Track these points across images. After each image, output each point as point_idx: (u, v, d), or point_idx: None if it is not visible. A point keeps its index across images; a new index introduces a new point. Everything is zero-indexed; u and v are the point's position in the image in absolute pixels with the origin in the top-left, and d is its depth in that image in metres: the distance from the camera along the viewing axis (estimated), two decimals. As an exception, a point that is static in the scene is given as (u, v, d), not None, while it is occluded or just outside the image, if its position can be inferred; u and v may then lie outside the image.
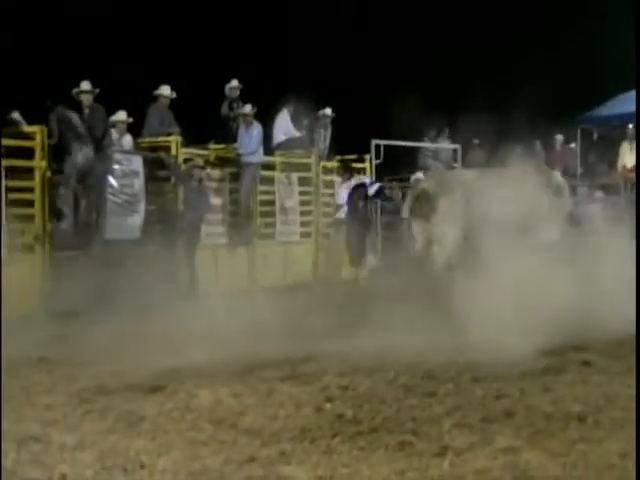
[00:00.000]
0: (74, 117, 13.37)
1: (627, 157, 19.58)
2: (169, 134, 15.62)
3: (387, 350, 8.57)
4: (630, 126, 20.12)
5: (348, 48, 24.85)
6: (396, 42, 25.51)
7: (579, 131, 20.46)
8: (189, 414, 6.49)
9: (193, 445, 5.69)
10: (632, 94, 21.63)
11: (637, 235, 11.25)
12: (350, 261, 16.65)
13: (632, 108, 20.66)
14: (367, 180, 17.59)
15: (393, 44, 25.43)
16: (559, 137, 20.43)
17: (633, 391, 6.72)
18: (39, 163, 13.02)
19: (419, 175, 19.35)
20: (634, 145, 19.82)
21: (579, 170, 20.09)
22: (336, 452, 5.50)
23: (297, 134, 18.57)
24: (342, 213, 17.14)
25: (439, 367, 7.93)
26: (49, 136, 13.09)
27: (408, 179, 19.87)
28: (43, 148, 13.06)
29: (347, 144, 19.23)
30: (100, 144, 13.61)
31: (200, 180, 15.15)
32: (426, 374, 7.70)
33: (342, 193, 17.05)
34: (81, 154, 13.11)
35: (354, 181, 17.23)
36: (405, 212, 18.73)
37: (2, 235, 12.28)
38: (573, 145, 20.23)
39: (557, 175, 14.32)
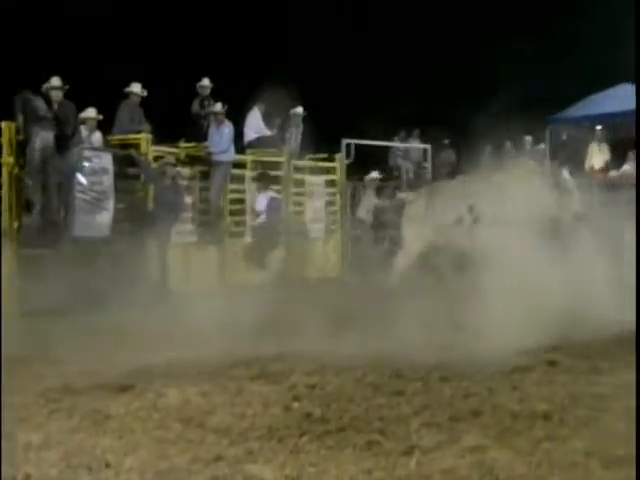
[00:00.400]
0: (38, 101, 13.24)
1: (595, 158, 19.71)
2: (139, 132, 15.58)
3: (357, 349, 8.58)
4: (598, 127, 20.25)
5: (321, 47, 24.86)
6: (369, 42, 25.54)
7: (548, 132, 20.57)
8: (157, 413, 6.47)
9: (160, 444, 5.67)
10: (601, 96, 21.83)
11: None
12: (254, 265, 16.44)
13: (600, 109, 20.84)
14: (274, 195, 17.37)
15: (366, 43, 25.46)
16: (528, 138, 20.52)
17: (597, 390, 6.80)
18: (6, 159, 12.95)
19: (374, 174, 19.41)
20: (603, 146, 19.96)
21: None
22: (303, 451, 5.50)
23: (268, 133, 18.56)
24: (262, 219, 16.99)
25: (408, 366, 7.93)
26: (15, 121, 13.02)
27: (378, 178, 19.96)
28: (11, 144, 12.98)
29: (319, 143, 19.23)
30: (69, 141, 13.53)
31: (173, 178, 15.11)
32: (394, 373, 7.70)
33: (261, 200, 16.93)
34: (40, 138, 12.92)
35: (270, 193, 17.12)
36: (362, 212, 18.82)
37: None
38: (542, 146, 20.32)
39: (565, 173, 14.34)
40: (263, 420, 6.24)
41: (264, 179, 17.10)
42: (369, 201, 19.15)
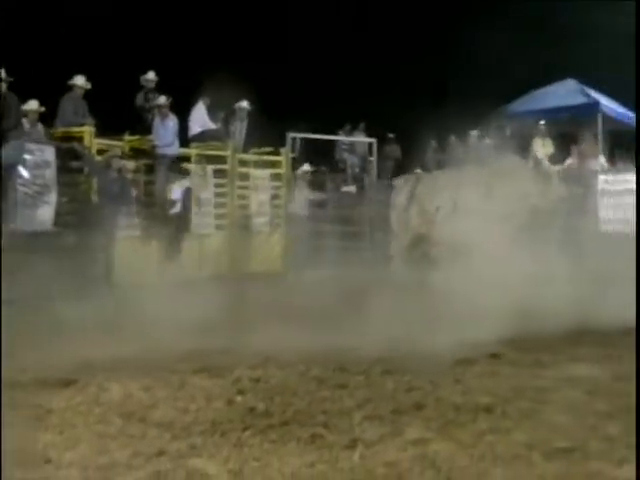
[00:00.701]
0: None
1: (539, 152, 19.87)
2: (83, 124, 15.43)
3: (301, 343, 8.57)
4: (542, 122, 20.43)
5: (266, 40, 24.81)
6: (316, 35, 25.52)
7: (493, 127, 20.70)
8: (98, 408, 6.42)
9: (101, 439, 5.63)
10: (544, 90, 22.05)
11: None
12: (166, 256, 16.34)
13: (544, 104, 21.04)
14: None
15: (312, 37, 25.44)
16: (473, 132, 20.64)
17: (540, 383, 6.86)
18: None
19: (306, 167, 19.42)
20: (546, 141, 20.14)
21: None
22: (247, 445, 5.49)
23: (213, 126, 18.49)
24: (177, 208, 16.90)
25: (352, 360, 7.94)
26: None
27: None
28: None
29: (265, 137, 19.19)
30: (11, 133, 13.38)
31: (119, 170, 15.00)
32: (338, 367, 7.71)
33: (176, 190, 16.84)
34: None
35: (185, 182, 17.07)
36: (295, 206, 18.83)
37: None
38: (487, 140, 20.45)
39: (545, 162, 14.48)
40: (206, 414, 6.22)
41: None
42: (302, 194, 19.16)
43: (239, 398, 6.69)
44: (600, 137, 20.47)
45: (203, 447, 5.46)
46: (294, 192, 19.21)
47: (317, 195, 19.60)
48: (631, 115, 22.33)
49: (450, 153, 19.92)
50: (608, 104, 21.65)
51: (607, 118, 21.17)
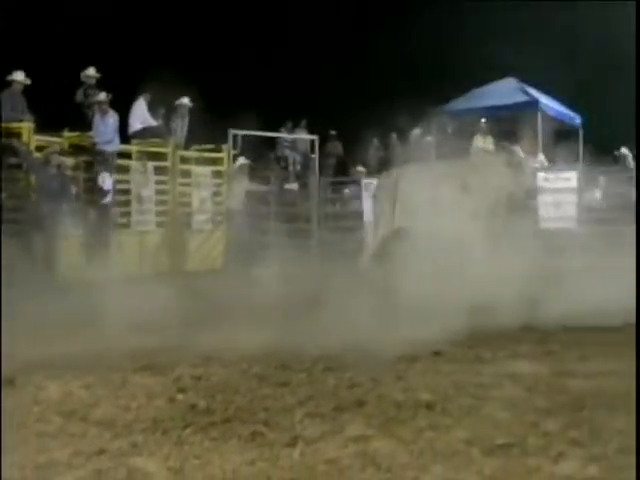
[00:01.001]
0: None
1: (479, 150, 20.05)
2: (21, 120, 15.28)
3: (244, 341, 8.56)
4: (483, 120, 20.61)
5: (206, 37, 24.73)
6: (254, 31, 25.50)
7: (435, 124, 20.85)
8: (37, 407, 6.36)
9: (40, 438, 5.58)
10: (485, 89, 22.26)
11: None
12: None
13: (485, 103, 21.24)
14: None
15: (252, 34, 25.42)
16: (415, 130, 20.78)
17: (480, 379, 6.91)
18: None
19: (242, 160, 19.40)
20: (487, 139, 20.31)
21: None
22: (188, 443, 5.46)
23: (154, 123, 18.41)
24: (108, 199, 16.75)
25: (294, 357, 7.94)
26: None
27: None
28: None
29: (206, 133, 19.14)
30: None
31: (58, 166, 14.87)
32: (280, 364, 7.71)
33: (107, 180, 16.67)
34: None
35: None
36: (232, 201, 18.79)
37: None
38: (429, 138, 20.59)
39: (519, 152, 14.55)
40: (147, 412, 6.18)
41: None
42: (239, 188, 19.11)
43: (180, 396, 6.65)
44: (540, 135, 20.70)
45: (144, 445, 5.42)
46: (232, 185, 19.17)
47: (256, 187, 19.54)
48: (571, 114, 22.63)
49: (392, 151, 20.03)
50: (548, 103, 21.92)
51: (547, 116, 21.44)
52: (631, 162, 19.80)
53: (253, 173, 19.85)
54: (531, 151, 19.37)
